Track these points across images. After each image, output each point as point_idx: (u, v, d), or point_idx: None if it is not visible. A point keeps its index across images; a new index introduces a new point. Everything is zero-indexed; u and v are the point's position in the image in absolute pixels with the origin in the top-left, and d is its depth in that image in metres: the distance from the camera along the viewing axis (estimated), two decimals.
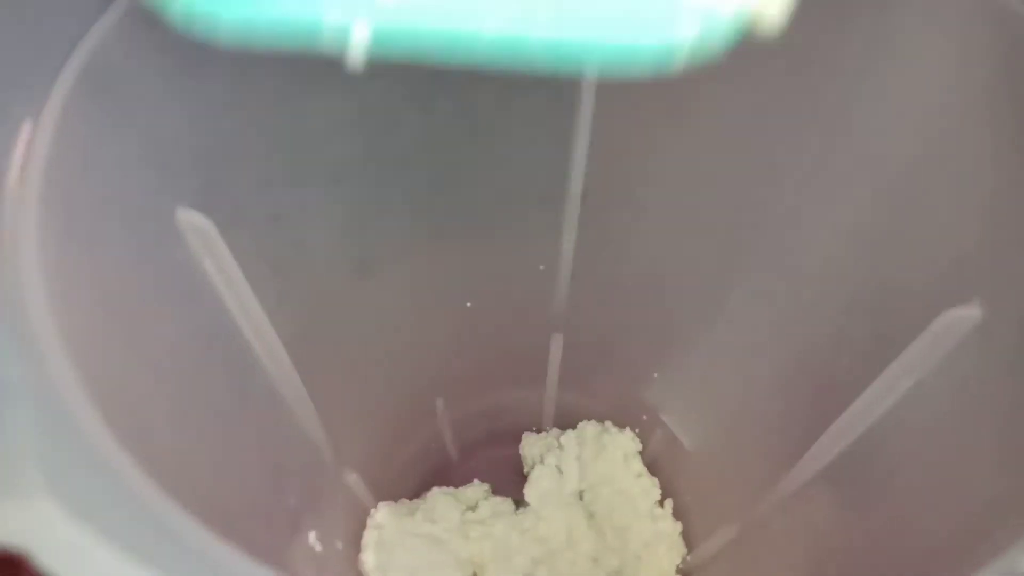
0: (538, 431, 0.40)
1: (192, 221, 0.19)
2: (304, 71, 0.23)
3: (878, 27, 0.22)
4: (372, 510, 0.34)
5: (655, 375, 0.35)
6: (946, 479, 0.21)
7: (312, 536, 0.28)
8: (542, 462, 0.37)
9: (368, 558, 0.32)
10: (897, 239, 0.22)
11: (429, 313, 0.33)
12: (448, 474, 0.39)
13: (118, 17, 0.16)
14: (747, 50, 0.24)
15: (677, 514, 0.36)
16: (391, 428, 0.35)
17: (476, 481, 0.38)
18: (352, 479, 0.32)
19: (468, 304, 0.34)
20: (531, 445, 0.39)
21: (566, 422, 0.39)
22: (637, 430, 0.37)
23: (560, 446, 0.37)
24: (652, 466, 0.37)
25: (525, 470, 0.39)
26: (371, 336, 0.31)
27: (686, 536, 0.36)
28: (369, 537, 0.32)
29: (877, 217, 0.22)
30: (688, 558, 0.35)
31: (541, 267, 0.33)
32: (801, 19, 0.23)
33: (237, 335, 0.22)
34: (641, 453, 0.37)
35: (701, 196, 0.29)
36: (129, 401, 0.18)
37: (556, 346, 0.36)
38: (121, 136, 0.17)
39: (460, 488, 0.38)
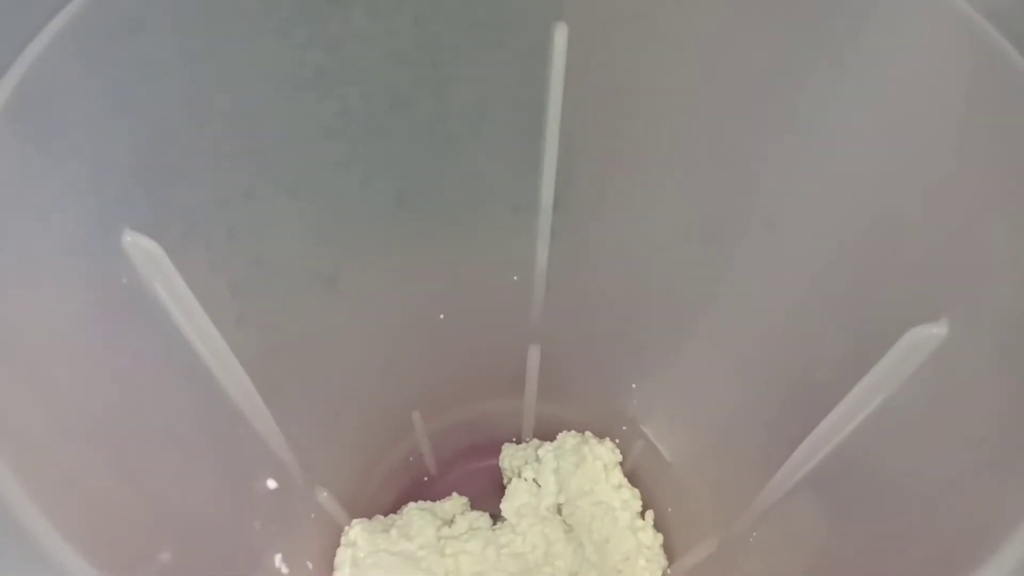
0: (518, 442, 0.39)
1: (140, 245, 0.19)
2: (261, 80, 0.22)
3: (850, 38, 0.21)
4: (346, 528, 0.33)
5: (633, 385, 0.35)
6: (922, 491, 0.20)
7: (278, 559, 0.27)
8: (519, 475, 0.36)
9: None
10: (869, 254, 0.21)
11: (400, 326, 0.32)
12: (426, 488, 0.38)
13: (50, 39, 0.16)
14: (722, 48, 0.23)
15: (658, 526, 0.35)
16: (365, 443, 0.35)
17: (454, 494, 0.38)
18: (323, 497, 0.32)
19: (441, 316, 0.33)
20: (511, 456, 0.39)
21: (546, 432, 0.38)
22: (617, 440, 0.37)
23: (538, 459, 0.36)
24: (632, 477, 0.36)
25: (505, 481, 0.38)
26: (339, 351, 0.30)
27: (667, 548, 0.35)
28: (342, 556, 0.32)
29: (850, 231, 0.22)
30: (669, 571, 0.35)
31: (515, 278, 0.33)
32: (775, 24, 0.22)
33: (193, 358, 0.22)
34: (621, 464, 0.37)
35: (676, 205, 0.28)
36: (80, 433, 0.18)
37: (533, 357, 0.35)
38: (57, 161, 0.16)
39: (437, 502, 0.37)
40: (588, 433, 0.38)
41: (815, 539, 0.24)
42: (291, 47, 0.22)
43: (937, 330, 0.19)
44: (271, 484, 0.27)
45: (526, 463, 0.37)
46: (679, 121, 0.26)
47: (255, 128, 0.22)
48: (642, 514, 0.36)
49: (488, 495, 0.38)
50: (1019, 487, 0.16)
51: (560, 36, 0.24)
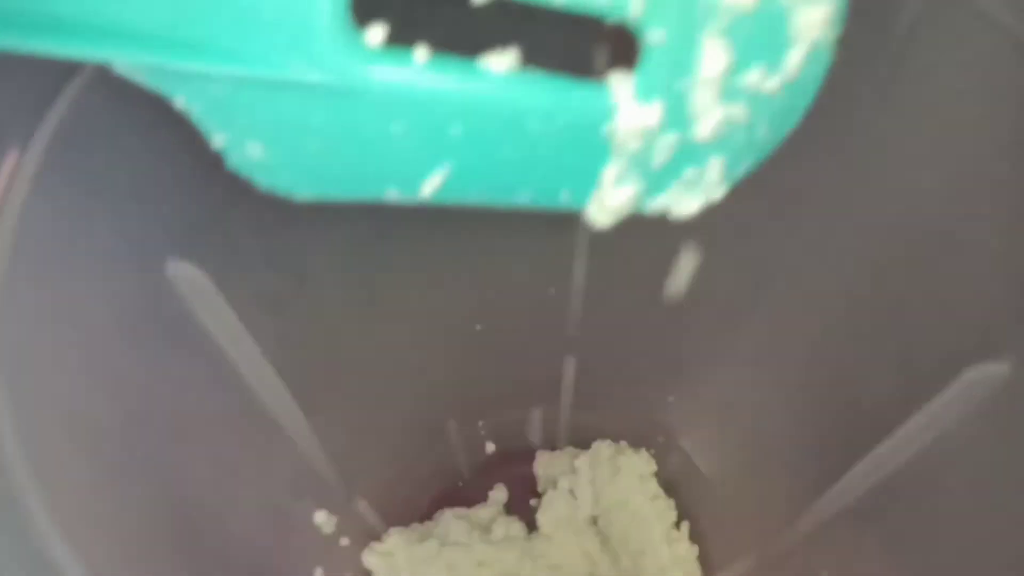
0: (553, 449, 0.39)
1: (182, 272, 0.19)
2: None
3: (901, 66, 0.20)
4: (384, 536, 0.33)
5: (671, 399, 0.34)
6: (976, 532, 0.20)
7: (319, 572, 0.27)
8: (555, 486, 0.36)
9: None
10: (925, 281, 0.21)
11: (436, 338, 0.32)
12: (460, 494, 0.38)
13: (92, 74, 0.16)
14: None
15: (693, 538, 0.35)
16: (400, 452, 0.35)
17: (491, 494, 0.38)
18: (362, 506, 0.32)
19: (478, 327, 0.33)
20: (546, 463, 0.38)
21: (581, 440, 0.38)
22: (652, 451, 0.37)
23: (574, 469, 0.36)
24: (668, 489, 0.36)
25: (539, 488, 0.38)
26: (376, 363, 0.30)
27: (703, 560, 0.35)
28: (380, 566, 0.32)
29: (904, 254, 0.21)
30: None
31: (552, 291, 0.32)
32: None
33: (235, 378, 0.22)
34: (656, 475, 0.36)
35: (716, 220, 0.28)
36: (122, 458, 0.18)
37: (569, 369, 0.35)
38: (100, 194, 0.16)
39: (472, 509, 0.37)
40: (623, 443, 0.37)
41: (862, 569, 0.24)
42: None
43: (998, 369, 0.18)
44: (311, 496, 0.27)
45: (561, 473, 0.36)
46: None
47: None
48: (677, 525, 0.35)
49: (522, 502, 0.38)
50: None
51: None
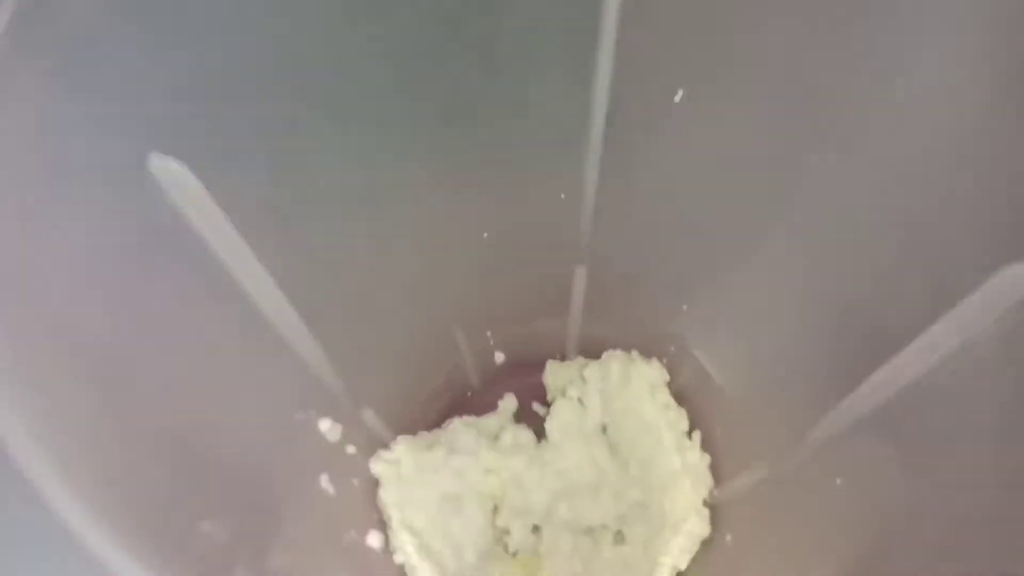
0: (563, 359, 0.39)
1: (170, 169, 0.18)
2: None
3: None
4: (391, 444, 0.33)
5: (684, 307, 0.33)
6: (1000, 445, 0.19)
7: (324, 479, 0.27)
8: (564, 394, 0.36)
9: (386, 494, 0.32)
10: (954, 183, 0.19)
11: (445, 244, 0.31)
12: (469, 403, 0.38)
13: None
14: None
15: (705, 447, 0.35)
16: (408, 361, 0.34)
17: (501, 403, 0.38)
18: (368, 416, 0.32)
19: (485, 235, 0.32)
20: (555, 373, 0.38)
21: (591, 351, 0.38)
22: (665, 361, 0.36)
23: (583, 379, 0.36)
24: (680, 398, 0.36)
25: (549, 397, 0.38)
26: (383, 272, 0.30)
27: (714, 470, 0.35)
28: (387, 472, 0.32)
29: (934, 156, 0.20)
30: (715, 492, 0.34)
31: (562, 196, 0.31)
32: None
33: (232, 288, 0.21)
34: (669, 385, 0.36)
35: (735, 127, 0.26)
36: (122, 374, 0.17)
37: (580, 279, 0.34)
38: (74, 84, 0.15)
39: (482, 417, 0.37)
40: (635, 352, 0.37)
41: (878, 481, 0.23)
42: None
43: None
44: (316, 406, 0.27)
45: (571, 382, 0.36)
46: (742, 46, 0.24)
47: (298, 51, 0.21)
48: (689, 434, 0.35)
49: (531, 411, 0.38)
50: None
51: None
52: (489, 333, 0.37)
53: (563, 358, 0.39)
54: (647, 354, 0.36)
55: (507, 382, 0.39)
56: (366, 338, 0.30)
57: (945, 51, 0.20)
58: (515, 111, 0.27)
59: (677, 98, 0.26)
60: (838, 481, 0.26)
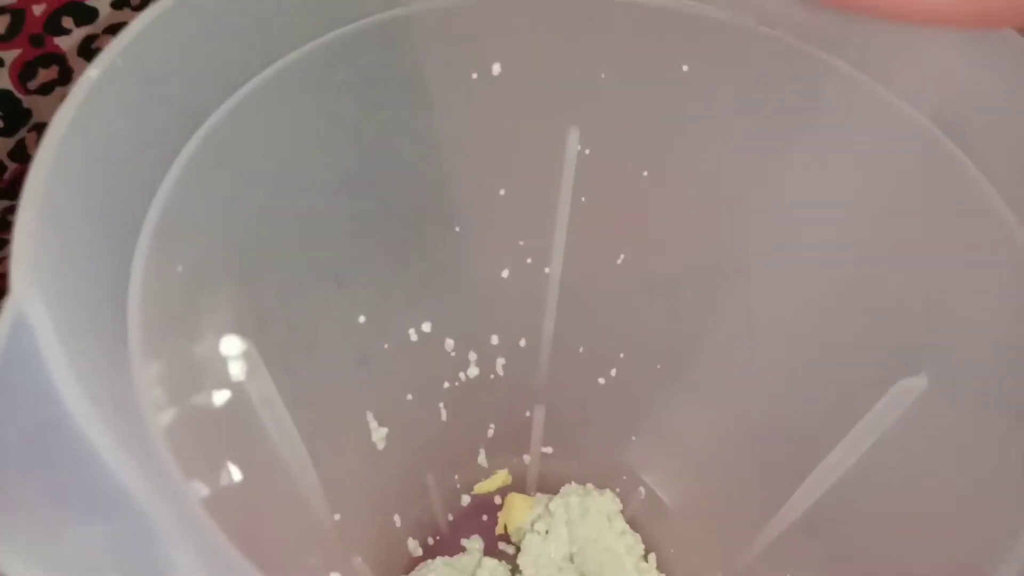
0: (522, 494, 0.42)
1: (234, 346, 0.21)
2: (317, 186, 0.25)
3: (817, 115, 0.25)
4: None
5: (633, 438, 0.38)
6: (913, 525, 0.24)
7: None
8: (532, 528, 0.39)
9: None
10: (850, 316, 0.25)
11: (419, 394, 0.35)
12: (441, 546, 0.40)
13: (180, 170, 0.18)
14: (715, 133, 0.27)
15: (661, 567, 0.38)
16: (388, 508, 0.37)
17: (466, 543, 0.40)
18: (357, 563, 0.34)
19: (456, 383, 0.36)
20: (518, 508, 0.41)
21: (550, 485, 0.41)
22: (618, 490, 0.40)
23: (549, 512, 0.39)
24: (634, 523, 0.39)
25: (511, 531, 0.41)
26: (367, 425, 0.33)
27: None
28: None
29: (831, 296, 0.26)
30: None
31: (522, 343, 0.36)
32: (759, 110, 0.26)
33: (267, 440, 0.24)
34: (622, 512, 0.40)
35: (663, 275, 0.32)
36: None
37: (539, 417, 0.38)
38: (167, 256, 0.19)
39: (455, 557, 0.39)
40: (590, 485, 0.40)
41: (818, 573, 0.27)
42: (336, 161, 0.25)
43: (919, 382, 0.22)
44: (320, 555, 0.29)
45: (539, 517, 0.39)
46: (673, 193, 0.30)
47: (312, 229, 0.25)
48: (646, 557, 0.38)
49: (499, 549, 0.40)
50: (1000, 518, 0.19)
51: (572, 138, 0.27)
52: (455, 474, 0.40)
53: (523, 493, 0.42)
54: (601, 485, 0.40)
55: (474, 522, 0.41)
56: (355, 484, 0.33)
57: (828, 208, 0.26)
58: (483, 277, 0.32)
59: (619, 260, 0.32)
60: None
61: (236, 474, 0.21)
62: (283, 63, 0.20)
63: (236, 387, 0.22)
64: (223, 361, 0.21)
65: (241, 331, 0.22)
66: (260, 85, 0.20)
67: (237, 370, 0.22)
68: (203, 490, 0.20)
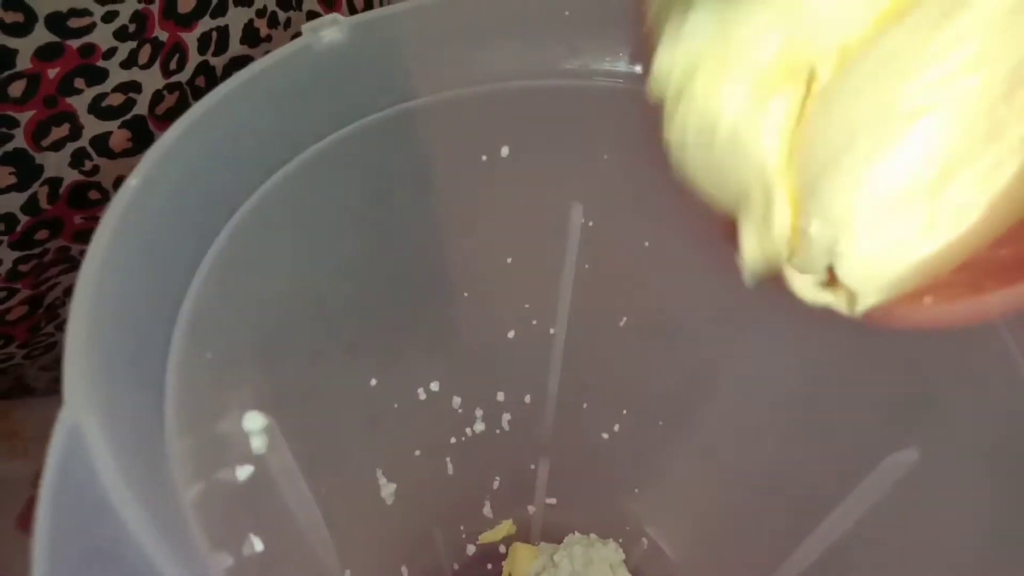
0: (526, 543, 0.43)
1: (256, 421, 0.22)
2: (332, 269, 0.26)
3: None
4: None
5: (636, 490, 0.38)
6: None
7: None
8: None
9: None
10: (843, 398, 0.26)
11: (427, 451, 0.36)
12: None
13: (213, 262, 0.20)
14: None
15: None
16: (395, 559, 0.38)
17: None
18: None
19: (463, 439, 0.37)
20: (522, 558, 0.42)
21: (554, 534, 0.42)
22: (620, 540, 0.41)
23: (554, 563, 0.40)
24: (637, 573, 0.40)
25: None
26: (380, 478, 0.34)
27: None
28: None
29: (827, 380, 0.27)
30: None
31: (527, 399, 0.37)
32: None
33: (287, 510, 0.25)
34: (625, 561, 0.40)
35: (667, 343, 0.33)
36: None
37: (543, 469, 0.39)
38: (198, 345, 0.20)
39: None
40: (593, 535, 0.41)
41: None
42: (351, 243, 0.26)
43: (909, 456, 0.23)
44: None
45: (543, 567, 0.40)
46: (673, 261, 0.31)
47: (325, 305, 0.26)
48: None
49: None
50: None
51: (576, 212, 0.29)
52: (461, 526, 0.41)
53: (527, 542, 0.43)
54: (604, 535, 0.41)
55: (477, 571, 0.42)
56: (364, 541, 0.34)
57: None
58: (490, 337, 0.33)
59: (621, 323, 0.33)
60: None
61: (257, 544, 0.22)
62: (302, 158, 0.22)
63: (258, 460, 0.23)
64: (246, 436, 0.22)
65: (261, 406, 0.23)
66: (280, 180, 0.21)
67: (259, 443, 0.23)
68: (227, 560, 0.21)
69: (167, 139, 0.18)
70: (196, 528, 0.16)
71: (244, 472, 0.22)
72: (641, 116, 0.25)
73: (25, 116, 0.28)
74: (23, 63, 0.26)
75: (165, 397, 0.17)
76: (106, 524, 0.12)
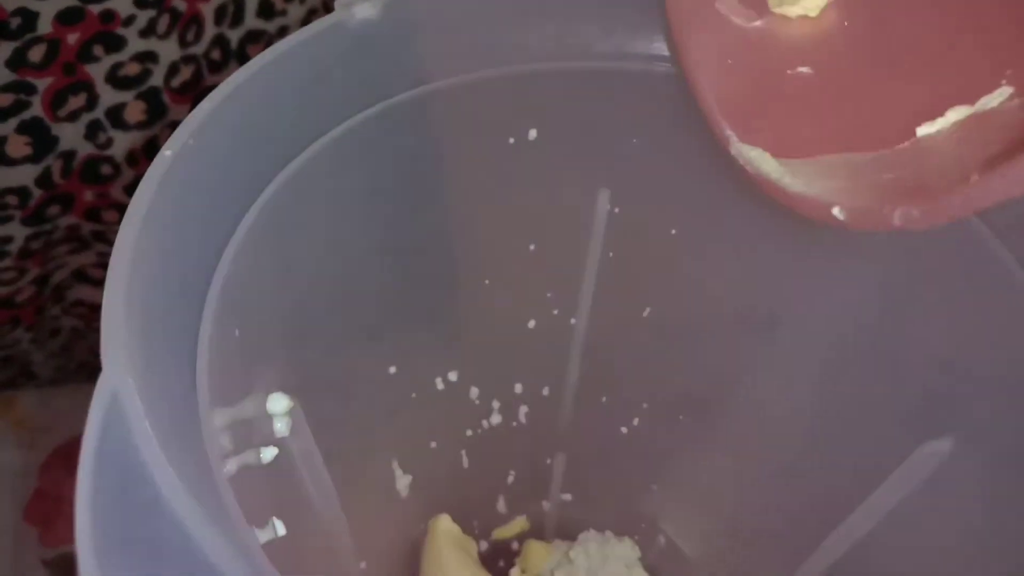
0: (540, 540, 0.42)
1: (280, 403, 0.22)
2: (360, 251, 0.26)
3: None
4: None
5: (654, 487, 0.38)
6: None
7: None
8: (551, 575, 0.39)
9: None
10: (877, 380, 0.26)
11: (443, 441, 0.35)
12: None
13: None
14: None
15: None
16: (409, 553, 0.37)
17: None
18: None
19: (479, 431, 0.36)
20: (536, 554, 0.41)
21: (568, 530, 0.41)
22: (636, 537, 0.40)
23: (569, 560, 0.39)
24: (653, 571, 0.40)
25: None
26: (396, 469, 0.33)
27: None
28: None
29: (859, 361, 0.26)
30: None
31: (545, 392, 0.36)
32: None
33: (307, 496, 0.25)
34: (641, 560, 0.40)
35: (694, 331, 0.33)
36: None
37: (559, 464, 0.39)
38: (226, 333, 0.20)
39: None
40: (608, 532, 0.41)
41: None
42: (376, 226, 0.26)
43: (943, 445, 0.23)
44: None
45: (558, 564, 0.39)
46: (700, 251, 0.30)
47: (349, 289, 0.26)
48: None
49: None
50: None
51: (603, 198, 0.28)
52: (474, 519, 0.41)
53: (541, 539, 0.42)
54: (620, 532, 0.40)
55: (490, 568, 0.42)
56: (380, 527, 0.34)
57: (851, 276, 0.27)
58: (510, 327, 0.33)
59: (644, 313, 0.33)
60: None
61: (280, 528, 0.22)
62: (329, 137, 0.21)
63: (281, 443, 0.22)
64: (270, 418, 0.22)
65: (286, 388, 0.22)
66: (311, 157, 0.21)
67: (282, 426, 0.22)
68: (262, 538, 0.21)
69: (202, 111, 0.18)
70: (232, 503, 0.15)
71: (269, 454, 0.21)
72: (674, 98, 0.25)
73: (44, 83, 0.27)
74: (44, 27, 0.26)
75: (197, 372, 0.17)
76: (147, 486, 0.12)
